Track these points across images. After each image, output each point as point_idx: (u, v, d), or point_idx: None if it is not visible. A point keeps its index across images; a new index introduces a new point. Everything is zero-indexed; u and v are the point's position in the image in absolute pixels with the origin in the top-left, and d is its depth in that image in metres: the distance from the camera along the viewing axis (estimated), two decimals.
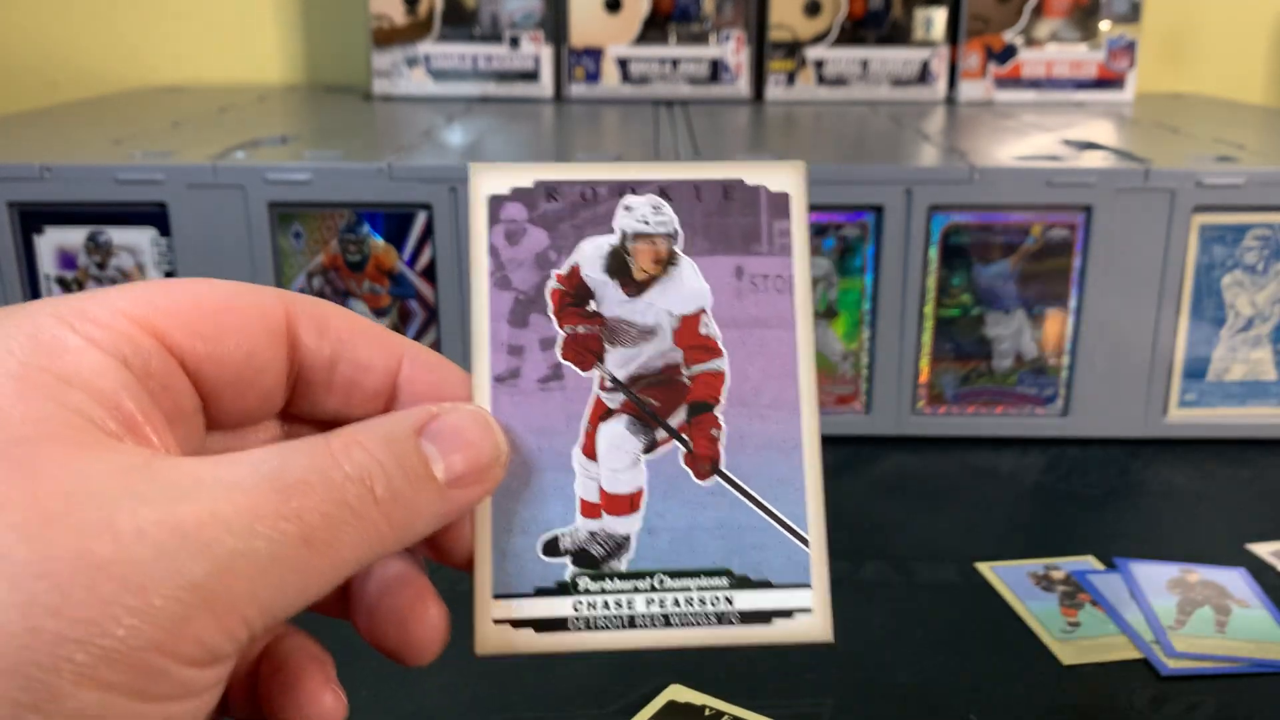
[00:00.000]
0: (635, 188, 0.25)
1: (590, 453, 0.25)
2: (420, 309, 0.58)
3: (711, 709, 0.37)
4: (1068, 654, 0.41)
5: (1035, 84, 0.89)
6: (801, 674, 0.39)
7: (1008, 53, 0.89)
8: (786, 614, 0.24)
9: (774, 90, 0.89)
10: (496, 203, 0.25)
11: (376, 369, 0.23)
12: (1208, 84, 1.03)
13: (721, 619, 0.24)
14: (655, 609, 0.24)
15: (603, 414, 0.25)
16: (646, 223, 0.25)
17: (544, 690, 0.37)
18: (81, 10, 1.00)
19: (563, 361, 0.25)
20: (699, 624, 0.24)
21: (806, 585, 0.24)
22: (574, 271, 0.25)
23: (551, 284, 0.25)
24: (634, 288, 0.25)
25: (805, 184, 0.26)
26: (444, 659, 0.24)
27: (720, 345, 0.25)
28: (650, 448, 0.25)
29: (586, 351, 0.25)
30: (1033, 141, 0.66)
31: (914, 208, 0.56)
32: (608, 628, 0.24)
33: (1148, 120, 0.78)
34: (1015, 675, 0.40)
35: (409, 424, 0.21)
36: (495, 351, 0.25)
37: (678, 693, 0.37)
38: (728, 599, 0.24)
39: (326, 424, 0.24)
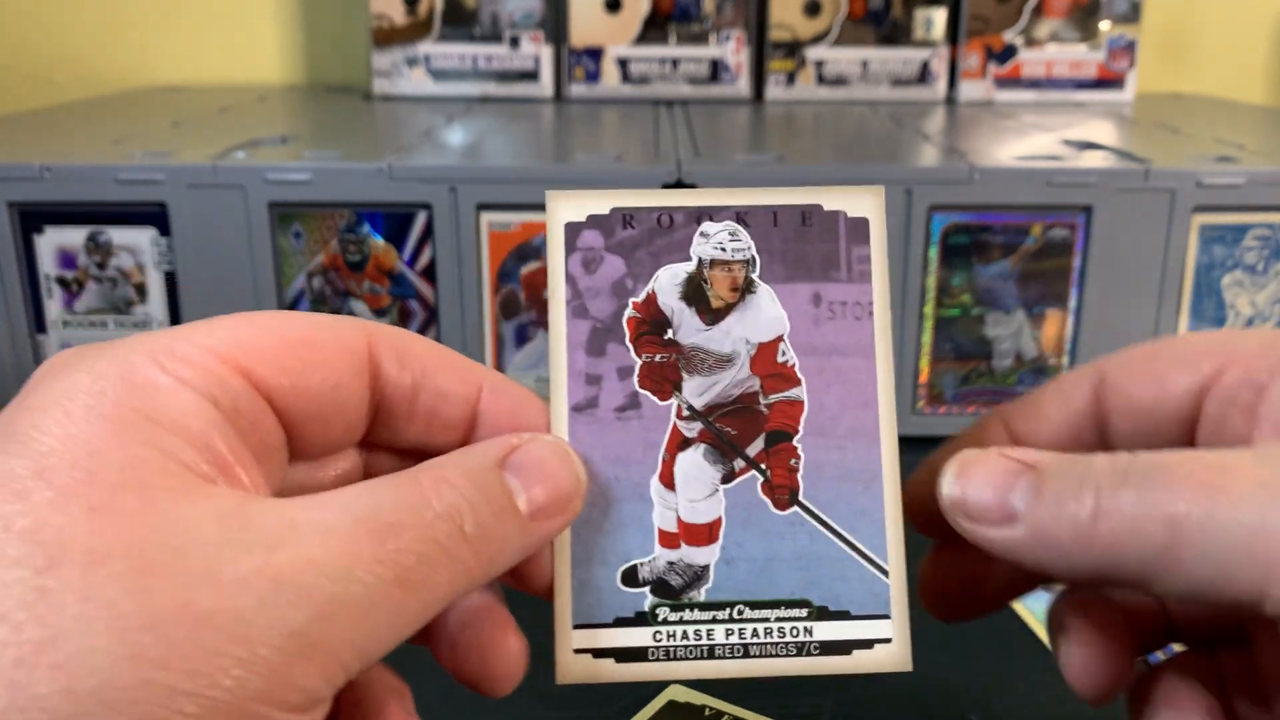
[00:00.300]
0: (712, 214, 0.25)
1: (668, 482, 0.25)
2: (420, 309, 0.58)
3: (711, 709, 0.37)
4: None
5: (1035, 84, 0.89)
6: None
7: (1008, 53, 0.89)
8: (866, 644, 0.24)
9: (774, 90, 0.89)
10: (573, 230, 0.25)
11: (456, 398, 0.23)
12: (1208, 84, 1.03)
13: (801, 650, 0.24)
14: (735, 639, 0.24)
15: (680, 443, 0.25)
16: (723, 249, 0.25)
17: (544, 690, 0.37)
18: (81, 10, 1.00)
19: (640, 390, 0.25)
20: (779, 654, 0.24)
21: (886, 616, 0.24)
22: (651, 299, 0.25)
23: (629, 312, 0.25)
24: (711, 315, 0.25)
25: (884, 209, 0.25)
26: (436, 661, 0.24)
27: (798, 373, 0.25)
28: (728, 477, 0.25)
29: (664, 380, 0.25)
30: (1033, 141, 0.66)
31: (914, 208, 0.56)
32: (688, 658, 0.24)
33: (1148, 120, 0.78)
34: (1015, 675, 0.40)
35: (492, 456, 0.21)
36: (573, 380, 0.25)
37: (678, 693, 0.37)
38: (807, 629, 0.24)
39: (405, 452, 0.24)
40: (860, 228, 0.25)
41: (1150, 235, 0.56)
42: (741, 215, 0.25)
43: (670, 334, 0.25)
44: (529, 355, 0.59)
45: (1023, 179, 0.56)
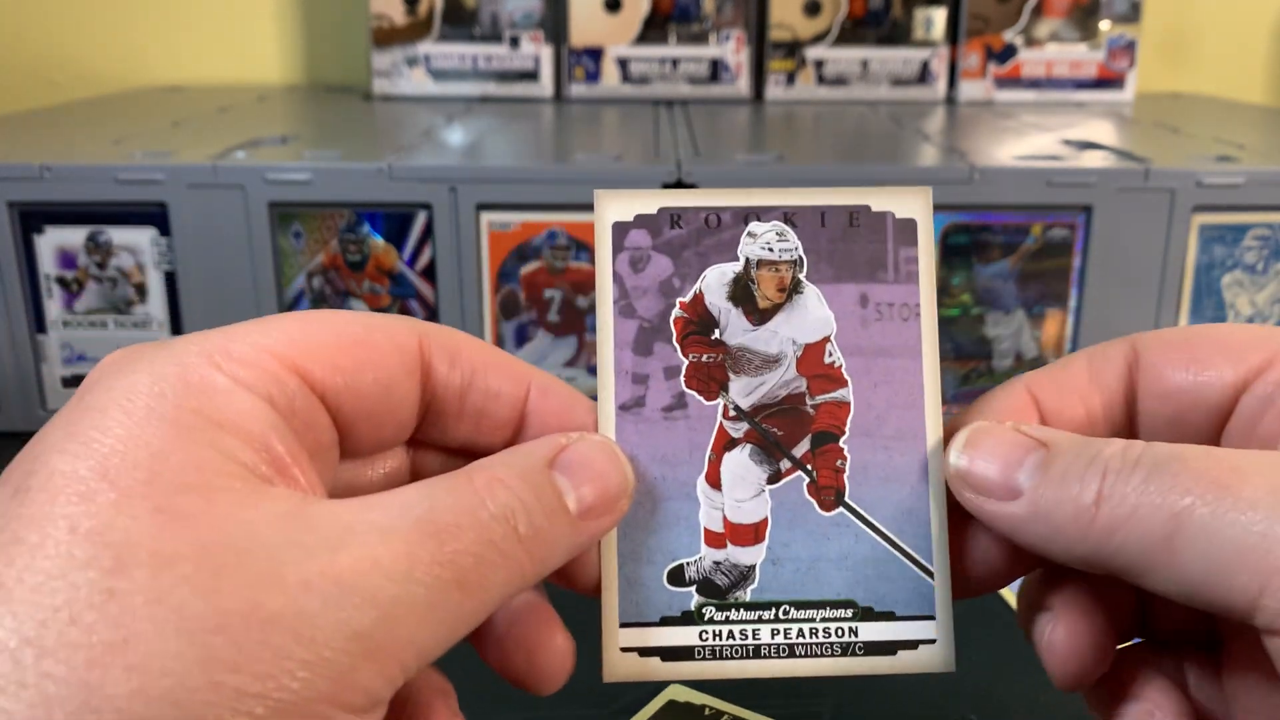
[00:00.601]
0: (760, 214, 0.25)
1: (714, 482, 0.25)
2: (420, 309, 0.58)
3: (711, 709, 0.37)
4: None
5: (1035, 84, 0.89)
6: None
7: (1008, 52, 0.89)
8: (911, 645, 0.24)
9: (774, 90, 0.89)
10: (621, 230, 0.25)
11: (505, 397, 0.24)
12: (1207, 84, 1.03)
13: (846, 650, 0.24)
14: (780, 639, 0.24)
15: (726, 443, 0.25)
16: (771, 250, 0.25)
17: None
18: (81, 10, 1.00)
19: (687, 390, 0.25)
20: (824, 655, 0.24)
21: (931, 617, 0.24)
22: (698, 299, 0.25)
23: (676, 312, 0.25)
24: (758, 316, 0.25)
25: (931, 210, 0.25)
26: (439, 658, 0.24)
27: (845, 374, 0.25)
28: (774, 478, 0.25)
29: (711, 380, 0.25)
30: (1032, 141, 0.66)
31: None
32: (733, 657, 0.24)
33: (1147, 120, 0.78)
34: (1015, 675, 0.40)
35: (541, 456, 0.22)
36: (620, 380, 0.25)
37: (677, 692, 0.37)
38: (852, 630, 0.24)
39: (453, 451, 0.25)
40: (908, 229, 0.25)
41: (1150, 235, 0.56)
42: (789, 215, 0.25)
43: (717, 334, 0.25)
44: (529, 355, 0.59)
45: (1022, 179, 0.56)
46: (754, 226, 0.25)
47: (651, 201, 0.25)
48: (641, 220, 0.25)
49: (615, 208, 0.25)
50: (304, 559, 0.17)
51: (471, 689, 0.25)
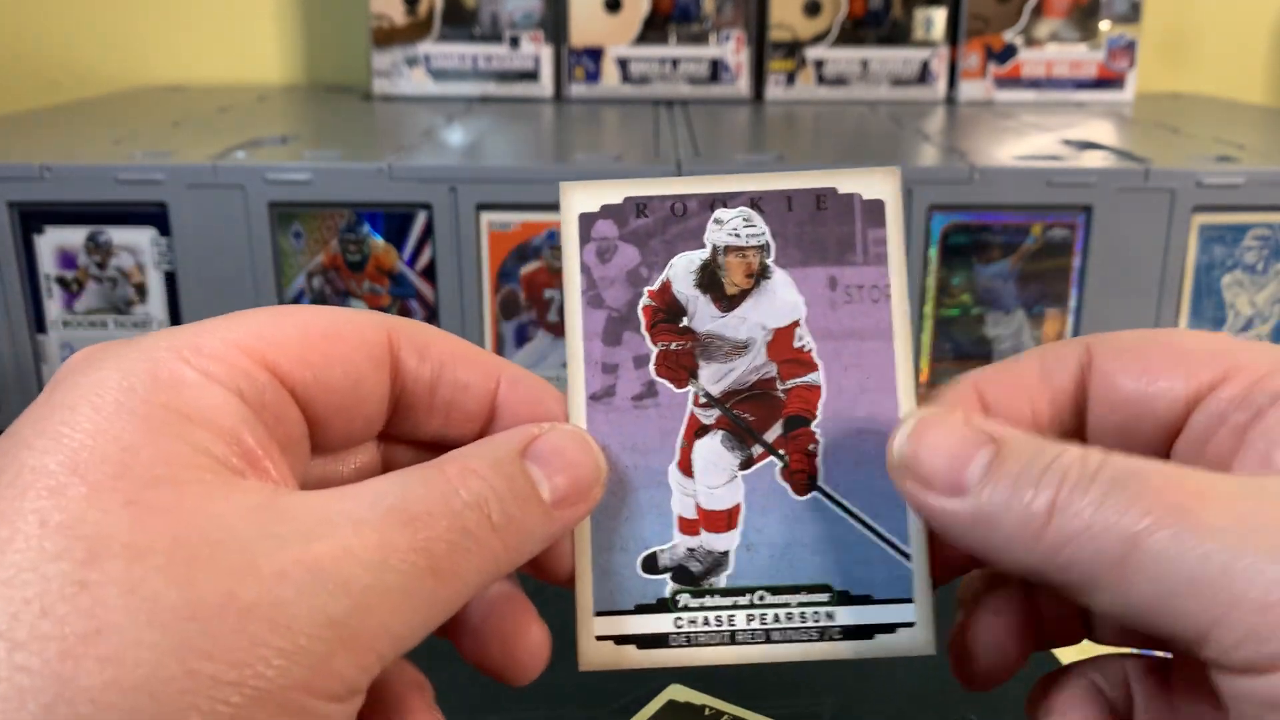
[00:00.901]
0: (726, 200, 0.25)
1: (686, 469, 0.25)
2: (420, 309, 0.58)
3: (711, 709, 0.37)
4: (1068, 653, 0.41)
5: (1035, 84, 0.89)
6: (801, 674, 0.39)
7: (1007, 52, 0.89)
8: (889, 629, 0.24)
9: (774, 90, 0.89)
10: (587, 220, 0.25)
11: (476, 390, 0.24)
12: (1207, 84, 1.03)
13: (824, 634, 0.24)
14: (756, 625, 0.24)
15: (698, 430, 0.25)
16: (738, 235, 0.25)
17: (543, 689, 0.37)
18: (81, 10, 1.00)
19: (656, 379, 0.25)
20: (801, 640, 0.24)
21: (909, 600, 0.24)
22: (665, 287, 0.25)
23: (644, 301, 0.25)
24: (726, 302, 0.25)
25: (899, 191, 0.25)
26: (437, 657, 0.24)
27: (815, 358, 0.25)
28: (747, 464, 0.25)
29: (680, 368, 0.25)
30: (1032, 141, 0.66)
31: (914, 207, 0.56)
32: (709, 644, 0.24)
33: (1147, 120, 0.78)
34: (1015, 675, 0.40)
35: (514, 446, 0.22)
36: (590, 370, 0.25)
37: (677, 692, 0.37)
38: (829, 614, 0.24)
39: (423, 444, 0.25)
40: (876, 210, 0.25)
41: (1150, 235, 0.56)
42: (755, 200, 0.25)
43: (685, 322, 0.25)
44: (529, 355, 0.59)
45: (1022, 179, 0.56)
46: (720, 213, 0.25)
47: (617, 191, 0.25)
48: (608, 210, 0.25)
49: (581, 199, 0.25)
50: (277, 549, 0.17)
51: (472, 691, 0.25)
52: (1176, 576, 0.18)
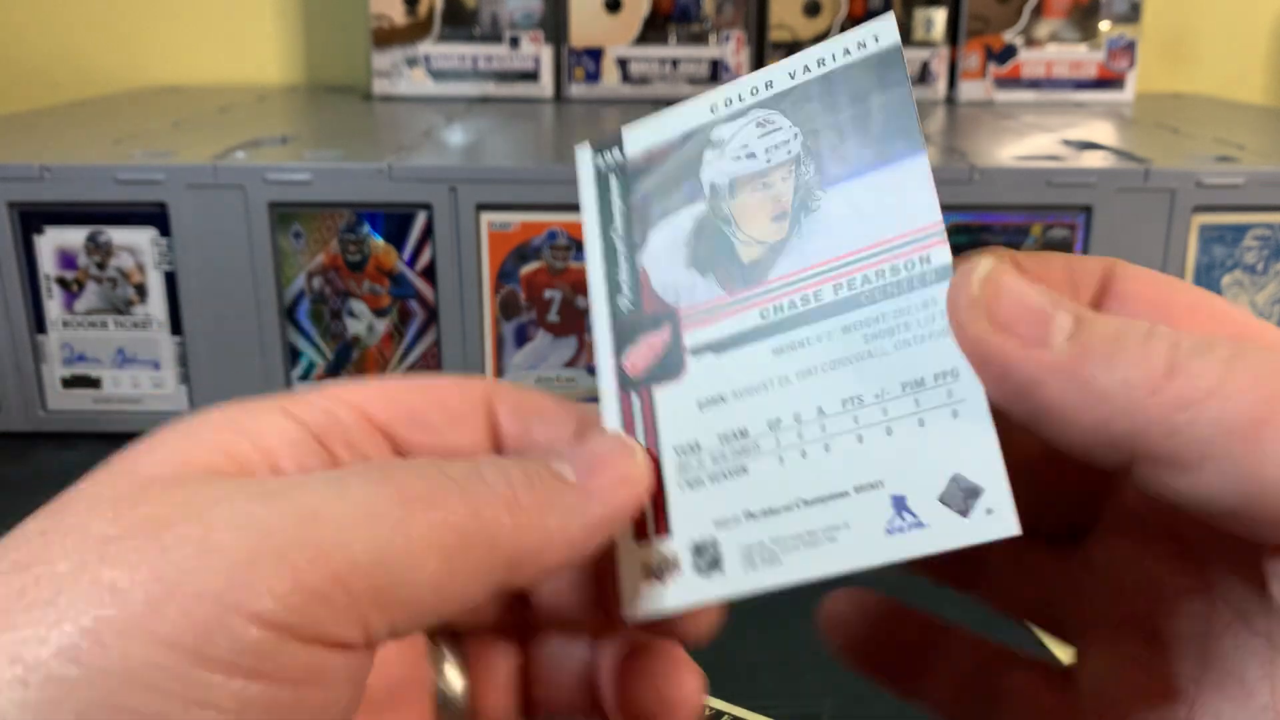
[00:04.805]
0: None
1: None
2: (420, 309, 0.58)
3: (711, 709, 0.37)
4: (1067, 652, 0.41)
5: (1035, 84, 0.89)
6: (801, 674, 0.39)
7: (1007, 53, 0.89)
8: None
9: None
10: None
11: (561, 437, 0.23)
12: (1207, 84, 1.03)
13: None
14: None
15: None
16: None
17: None
18: (81, 10, 1.00)
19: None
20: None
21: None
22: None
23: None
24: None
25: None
26: None
27: None
28: None
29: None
30: (1032, 142, 0.66)
31: None
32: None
33: (1147, 120, 0.78)
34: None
35: (541, 454, 0.21)
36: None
37: None
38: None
39: None
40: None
41: (1150, 235, 0.56)
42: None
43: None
44: (529, 355, 0.59)
45: (1023, 179, 0.56)
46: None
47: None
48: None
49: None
50: (230, 487, 0.17)
51: None
52: None
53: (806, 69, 0.18)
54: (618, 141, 0.21)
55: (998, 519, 0.17)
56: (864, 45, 0.18)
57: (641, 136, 0.21)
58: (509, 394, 0.22)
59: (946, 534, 0.17)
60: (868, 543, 0.18)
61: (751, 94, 0.19)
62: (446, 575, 0.17)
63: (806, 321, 0.19)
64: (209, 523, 0.16)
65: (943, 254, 0.19)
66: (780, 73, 0.19)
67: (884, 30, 0.18)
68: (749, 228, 0.19)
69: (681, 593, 0.20)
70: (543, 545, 0.18)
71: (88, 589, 0.15)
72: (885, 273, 0.18)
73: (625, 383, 0.21)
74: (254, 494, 0.17)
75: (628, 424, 0.21)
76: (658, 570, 0.20)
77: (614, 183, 0.21)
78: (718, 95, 0.19)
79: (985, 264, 0.18)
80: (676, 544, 0.20)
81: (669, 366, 0.20)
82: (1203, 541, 0.20)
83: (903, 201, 0.18)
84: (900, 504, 0.18)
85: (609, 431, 0.21)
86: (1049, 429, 0.17)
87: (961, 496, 0.17)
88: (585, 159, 0.22)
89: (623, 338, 0.21)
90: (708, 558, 0.19)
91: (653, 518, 0.20)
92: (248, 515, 0.16)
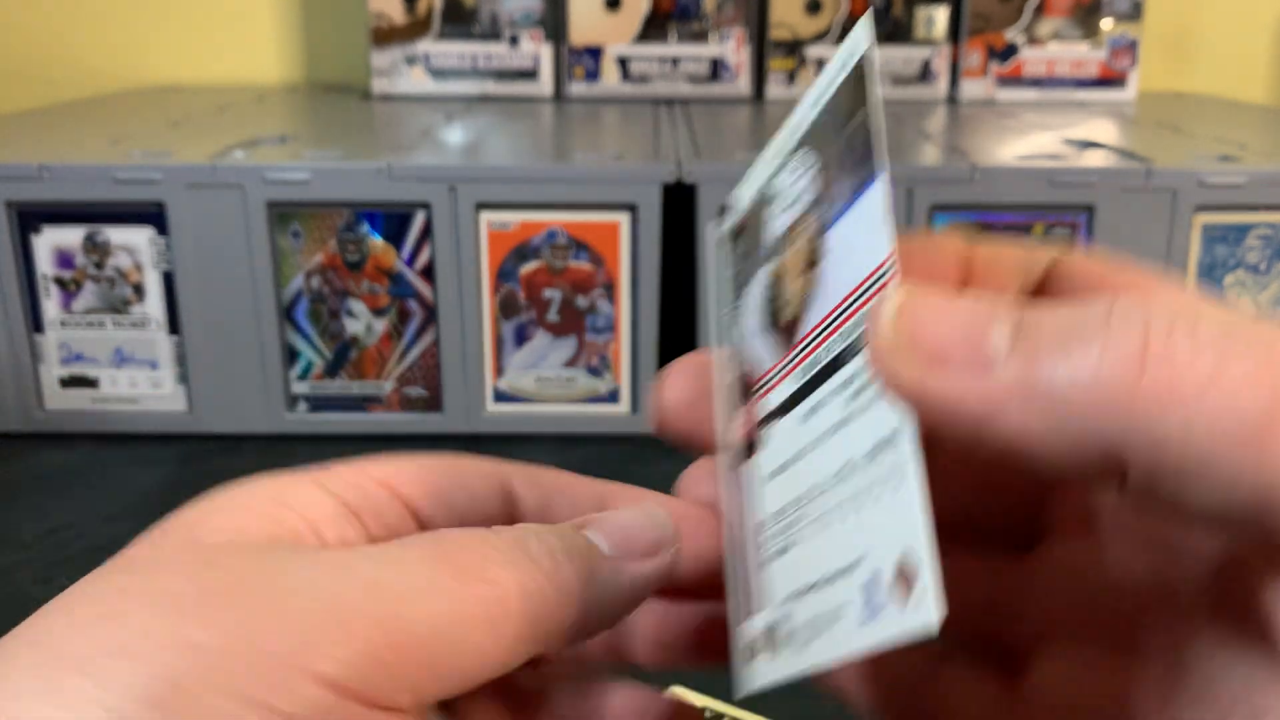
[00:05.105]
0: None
1: None
2: (419, 309, 0.58)
3: (711, 710, 0.36)
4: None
5: (1037, 83, 0.89)
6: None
7: (1009, 51, 0.88)
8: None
9: (775, 89, 0.89)
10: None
11: (582, 508, 0.23)
12: (1210, 83, 1.03)
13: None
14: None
15: None
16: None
17: None
18: (81, 10, 1.00)
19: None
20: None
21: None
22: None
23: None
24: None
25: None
26: None
27: None
28: None
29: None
30: (1034, 141, 0.66)
31: (915, 207, 0.56)
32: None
33: (1149, 119, 0.77)
34: None
35: (570, 523, 0.21)
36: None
37: (678, 693, 0.37)
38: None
39: None
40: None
41: (1152, 235, 0.56)
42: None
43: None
44: (529, 355, 0.58)
45: (1024, 178, 0.55)
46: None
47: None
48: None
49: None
50: (284, 555, 0.18)
51: None
52: None
53: (821, 95, 0.17)
54: (728, 207, 0.20)
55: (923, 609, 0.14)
56: (853, 56, 0.17)
57: (744, 195, 0.20)
58: (525, 472, 0.23)
59: (879, 628, 0.16)
60: (862, 628, 0.16)
61: (793, 131, 0.18)
62: (491, 644, 0.18)
63: (821, 381, 0.18)
64: (279, 588, 0.17)
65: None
66: (805, 103, 0.18)
67: (857, 38, 0.17)
68: (790, 282, 0.18)
69: (770, 671, 0.21)
70: (582, 618, 0.19)
71: (169, 642, 0.16)
72: (852, 325, 0.17)
73: (730, 461, 0.21)
74: (318, 563, 0.18)
75: (731, 505, 0.21)
76: (751, 649, 0.21)
77: (724, 253, 0.20)
78: (782, 135, 0.18)
79: (893, 298, 0.16)
80: (759, 624, 0.20)
81: (754, 442, 0.20)
82: (1174, 545, 0.18)
83: (868, 238, 0.16)
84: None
85: (633, 503, 0.22)
86: (1030, 462, 0.15)
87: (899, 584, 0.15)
88: (711, 231, 0.22)
89: (728, 413, 0.20)
90: (780, 635, 0.20)
91: (744, 598, 0.20)
92: (312, 582, 0.17)
